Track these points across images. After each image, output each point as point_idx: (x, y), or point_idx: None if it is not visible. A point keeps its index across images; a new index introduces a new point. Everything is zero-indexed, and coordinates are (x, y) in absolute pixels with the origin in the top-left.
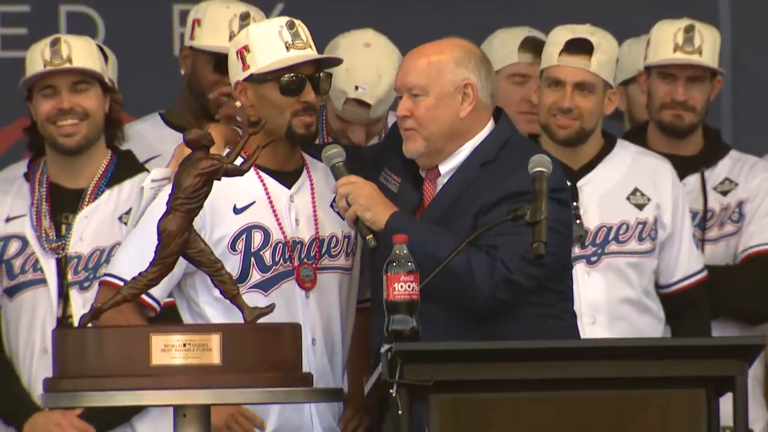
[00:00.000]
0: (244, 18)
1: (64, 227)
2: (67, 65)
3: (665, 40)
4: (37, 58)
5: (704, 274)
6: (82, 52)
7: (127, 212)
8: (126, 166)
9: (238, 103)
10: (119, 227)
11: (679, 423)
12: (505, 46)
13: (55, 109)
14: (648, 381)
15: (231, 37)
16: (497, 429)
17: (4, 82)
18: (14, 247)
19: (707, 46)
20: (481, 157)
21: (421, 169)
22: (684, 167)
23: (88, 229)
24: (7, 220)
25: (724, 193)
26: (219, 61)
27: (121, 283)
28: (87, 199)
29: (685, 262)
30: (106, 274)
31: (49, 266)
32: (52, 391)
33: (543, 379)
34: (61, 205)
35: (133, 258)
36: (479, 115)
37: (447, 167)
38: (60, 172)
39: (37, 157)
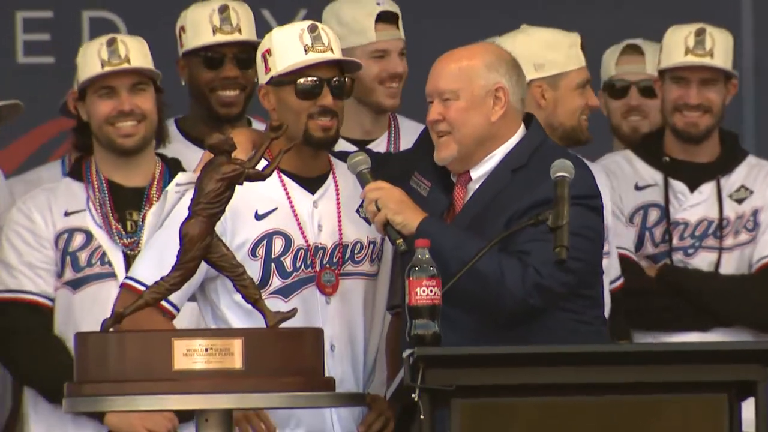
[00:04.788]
0: (223, 11)
1: (129, 224)
2: (126, 65)
3: (677, 44)
4: (93, 58)
5: (622, 280)
6: (139, 52)
7: None
8: (177, 170)
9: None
10: None
11: (701, 428)
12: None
13: (116, 110)
14: (670, 386)
15: (214, 32)
16: None
17: (29, 86)
18: (78, 240)
19: (719, 48)
20: (513, 163)
21: (453, 174)
22: (700, 175)
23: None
24: (66, 214)
25: (739, 201)
26: (208, 57)
27: (142, 288)
28: (153, 198)
29: (615, 266)
30: (127, 278)
31: (117, 260)
32: (73, 395)
33: (564, 383)
34: (122, 203)
35: (154, 262)
36: (510, 120)
37: (478, 172)
38: (115, 171)
39: (83, 158)
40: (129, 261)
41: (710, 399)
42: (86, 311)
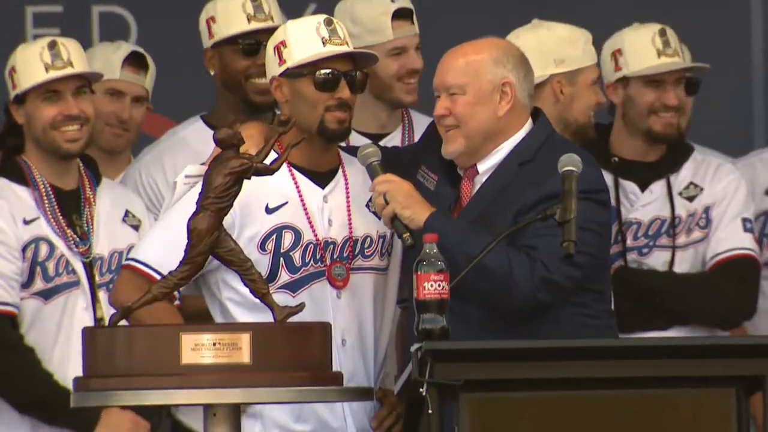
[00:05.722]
0: None
1: (77, 228)
2: (70, 69)
3: (645, 47)
4: (35, 63)
5: None
6: (79, 55)
7: (126, 214)
8: (96, 168)
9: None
10: (127, 229)
11: (710, 422)
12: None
13: (62, 114)
14: (678, 380)
15: (249, 20)
16: (527, 428)
17: None
18: (44, 249)
19: (680, 46)
20: (520, 157)
21: (460, 167)
22: (650, 174)
23: (100, 231)
24: (25, 222)
25: (690, 199)
26: (246, 45)
27: (144, 268)
28: (90, 200)
29: None
30: (129, 259)
31: (79, 268)
32: (82, 390)
33: (573, 378)
34: (66, 207)
35: (158, 245)
36: (517, 115)
37: (485, 166)
38: (52, 174)
39: (11, 157)
40: (87, 268)
41: (718, 393)
42: (58, 320)
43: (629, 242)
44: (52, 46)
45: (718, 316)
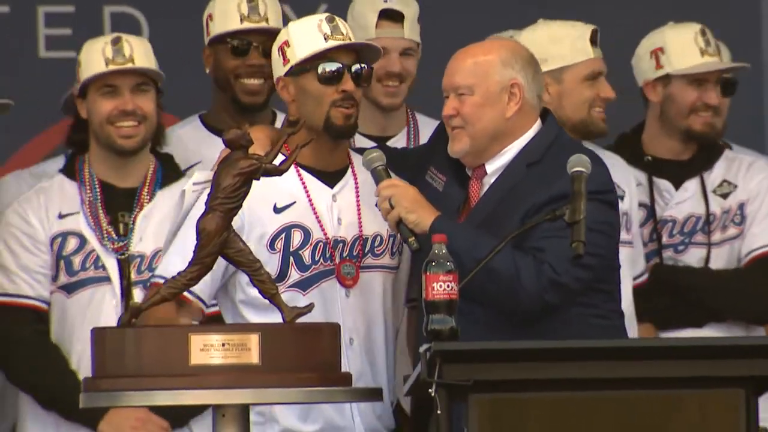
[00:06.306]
0: (251, 0)
1: (121, 226)
2: (130, 65)
3: (687, 46)
4: (97, 56)
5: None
6: (143, 53)
7: None
8: (171, 169)
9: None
10: None
11: (718, 423)
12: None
13: (117, 110)
14: (686, 381)
15: (242, 20)
16: (536, 428)
17: (50, 81)
18: (72, 243)
19: (718, 45)
20: (528, 158)
21: (468, 168)
22: (683, 172)
23: (148, 229)
24: (60, 216)
25: (724, 196)
26: (234, 44)
27: None
28: (144, 200)
29: (640, 261)
30: (154, 276)
31: (111, 264)
32: (91, 390)
33: (582, 378)
34: (115, 204)
35: (180, 259)
36: (526, 116)
37: (494, 166)
38: (109, 171)
39: (76, 155)
40: (121, 265)
41: (727, 394)
42: (80, 315)
43: (665, 240)
44: (116, 41)
45: (753, 312)
